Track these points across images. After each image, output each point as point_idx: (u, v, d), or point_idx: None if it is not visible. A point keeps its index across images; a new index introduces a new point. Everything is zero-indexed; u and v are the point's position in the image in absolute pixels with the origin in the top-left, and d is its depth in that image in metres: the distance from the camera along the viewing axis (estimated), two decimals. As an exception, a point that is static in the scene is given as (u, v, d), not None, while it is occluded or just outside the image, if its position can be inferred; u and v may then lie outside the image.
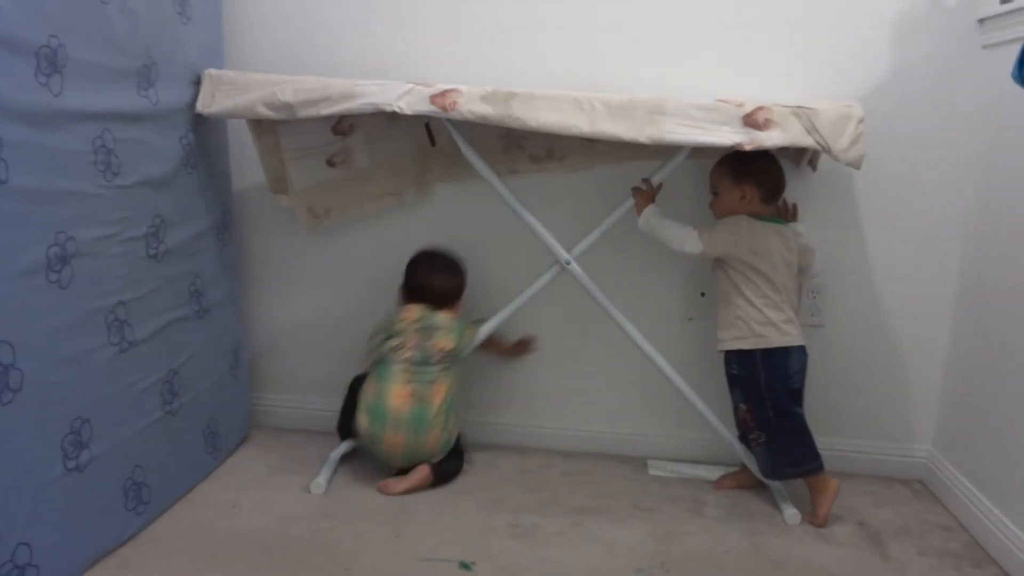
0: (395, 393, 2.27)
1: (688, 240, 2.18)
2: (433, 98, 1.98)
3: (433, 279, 2.38)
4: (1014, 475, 2.02)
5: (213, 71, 2.17)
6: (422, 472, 2.29)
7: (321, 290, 2.62)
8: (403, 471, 2.31)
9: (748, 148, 1.96)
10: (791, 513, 2.20)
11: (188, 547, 1.95)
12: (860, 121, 2.04)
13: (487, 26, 2.39)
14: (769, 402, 2.18)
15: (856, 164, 2.05)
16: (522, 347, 2.54)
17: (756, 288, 2.17)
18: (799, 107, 1.98)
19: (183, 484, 2.19)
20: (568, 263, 2.24)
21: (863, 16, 2.28)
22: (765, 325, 2.17)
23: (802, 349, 2.21)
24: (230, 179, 2.45)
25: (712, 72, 2.32)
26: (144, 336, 1.96)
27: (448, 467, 2.35)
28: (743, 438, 2.30)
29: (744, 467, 2.35)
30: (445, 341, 2.32)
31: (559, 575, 1.94)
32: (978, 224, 2.28)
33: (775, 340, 2.17)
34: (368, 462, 2.37)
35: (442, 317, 2.34)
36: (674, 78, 2.31)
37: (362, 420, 2.30)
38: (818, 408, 2.41)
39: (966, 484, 2.24)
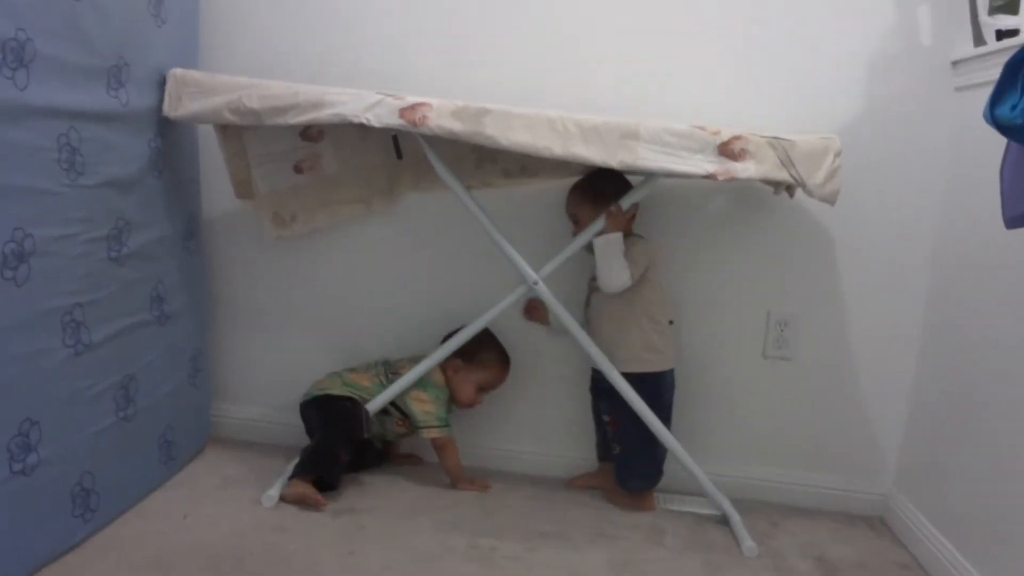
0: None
1: (623, 283, 2.20)
2: (403, 111, 1.95)
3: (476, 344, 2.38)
4: (972, 515, 2.01)
5: (178, 71, 2.11)
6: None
7: (288, 302, 2.59)
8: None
9: (721, 179, 1.95)
10: (749, 546, 2.17)
11: (135, 557, 1.90)
12: (837, 155, 2.01)
13: (465, 37, 2.39)
14: (633, 420, 2.26)
15: (831, 200, 2.03)
16: (470, 483, 2.46)
17: (647, 310, 2.27)
18: (775, 138, 1.97)
19: (134, 492, 2.14)
20: (535, 283, 2.22)
21: (841, 52, 2.30)
22: (649, 350, 2.28)
23: (672, 372, 2.32)
24: (199, 185, 2.42)
25: (691, 97, 2.33)
26: (100, 339, 1.92)
27: (308, 448, 2.32)
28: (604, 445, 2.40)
29: (600, 468, 2.45)
30: (418, 400, 2.37)
31: (514, 600, 1.92)
32: (943, 261, 2.29)
33: (656, 365, 2.28)
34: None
35: (437, 375, 2.38)
36: (654, 99, 2.32)
37: None
38: (782, 442, 2.42)
39: (925, 523, 2.23)
